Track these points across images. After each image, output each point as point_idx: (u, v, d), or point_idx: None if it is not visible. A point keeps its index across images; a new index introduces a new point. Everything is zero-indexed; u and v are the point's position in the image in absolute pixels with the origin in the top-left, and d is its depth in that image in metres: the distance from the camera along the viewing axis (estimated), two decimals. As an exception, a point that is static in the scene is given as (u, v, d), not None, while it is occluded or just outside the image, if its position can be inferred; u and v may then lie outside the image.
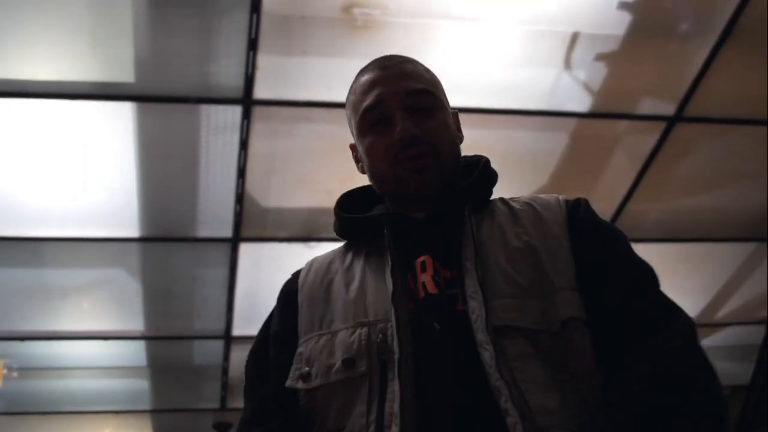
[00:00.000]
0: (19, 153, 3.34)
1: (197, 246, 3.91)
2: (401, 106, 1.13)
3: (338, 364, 1.03)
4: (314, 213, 3.71)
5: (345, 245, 1.21)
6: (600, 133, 3.68)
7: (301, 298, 1.15)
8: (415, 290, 1.06)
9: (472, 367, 0.96)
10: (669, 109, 3.58)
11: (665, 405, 0.92)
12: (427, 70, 1.20)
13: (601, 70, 3.40)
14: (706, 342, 5.09)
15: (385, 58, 1.21)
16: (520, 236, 1.10)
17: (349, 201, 1.24)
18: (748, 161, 3.87)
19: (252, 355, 1.18)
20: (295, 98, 3.28)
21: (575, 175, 3.83)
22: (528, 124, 3.56)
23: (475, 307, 1.00)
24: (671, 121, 3.62)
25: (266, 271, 3.96)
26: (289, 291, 1.18)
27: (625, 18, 3.20)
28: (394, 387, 0.97)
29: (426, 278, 1.06)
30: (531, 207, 1.15)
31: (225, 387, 5.02)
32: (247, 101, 3.25)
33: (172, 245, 3.90)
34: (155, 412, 5.43)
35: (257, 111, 3.30)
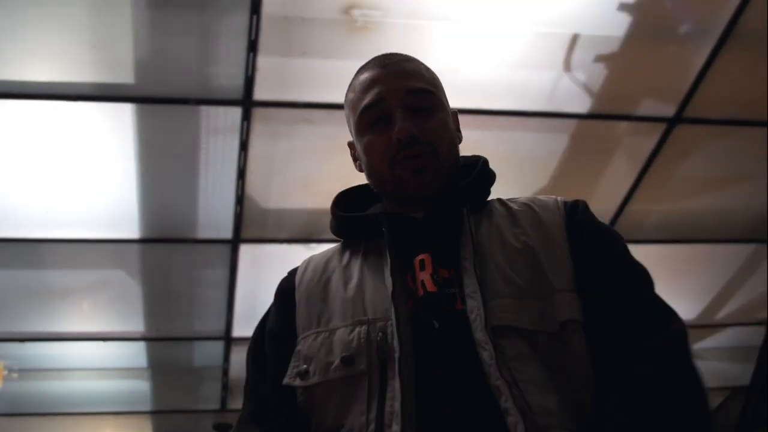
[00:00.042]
0: (19, 154, 3.34)
1: (197, 247, 3.91)
2: (401, 105, 1.12)
3: (337, 361, 1.03)
4: (314, 214, 3.71)
5: (342, 244, 1.20)
6: (600, 134, 3.68)
7: (299, 295, 1.14)
8: (414, 289, 1.06)
9: (472, 366, 0.97)
10: (669, 110, 3.58)
11: (665, 405, 0.93)
12: (428, 69, 1.20)
13: (601, 72, 3.40)
14: (707, 343, 5.10)
15: (386, 56, 1.20)
16: (519, 237, 1.10)
17: (345, 199, 1.23)
18: (748, 162, 3.87)
19: (250, 352, 1.18)
20: (295, 99, 3.28)
21: (575, 176, 3.83)
22: (528, 126, 3.56)
23: (474, 307, 1.00)
24: (671, 123, 3.62)
25: (266, 273, 3.96)
26: (286, 289, 1.17)
27: (625, 19, 3.20)
28: (395, 385, 0.97)
29: (425, 276, 1.06)
30: (529, 208, 1.15)
31: (225, 388, 5.02)
32: (247, 102, 3.25)
33: (173, 246, 3.90)
34: (155, 413, 5.43)
35: (257, 112, 3.31)
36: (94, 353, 4.63)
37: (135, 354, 4.68)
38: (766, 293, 4.55)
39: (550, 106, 3.49)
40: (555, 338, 1.00)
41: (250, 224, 3.79)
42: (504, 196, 1.22)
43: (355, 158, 1.23)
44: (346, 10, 3.02)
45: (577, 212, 1.14)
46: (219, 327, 4.42)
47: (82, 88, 3.10)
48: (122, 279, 4.06)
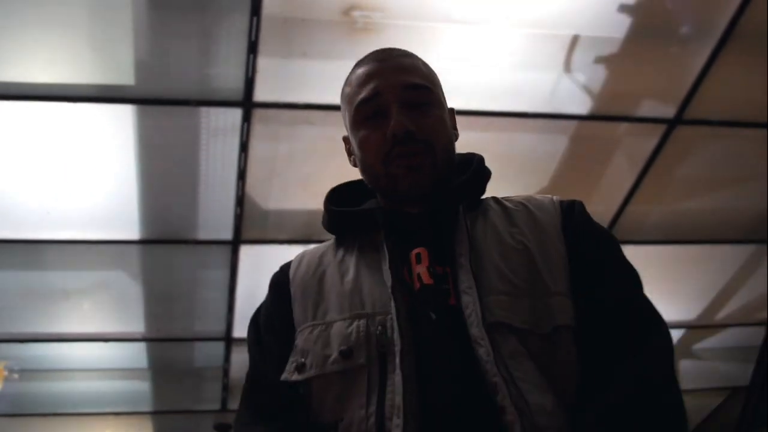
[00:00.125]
0: (19, 156, 3.34)
1: (198, 248, 3.91)
2: (398, 99, 1.11)
3: (335, 354, 1.02)
4: (314, 215, 3.71)
5: (335, 240, 1.19)
6: (600, 135, 3.69)
7: (294, 289, 1.14)
8: (410, 283, 1.05)
9: (469, 361, 0.97)
10: (669, 111, 3.58)
11: (643, 424, 0.94)
12: (426, 65, 1.19)
13: (601, 73, 3.40)
14: (707, 343, 5.11)
15: (383, 50, 1.19)
16: (515, 236, 1.10)
17: (338, 195, 1.22)
18: (747, 164, 3.88)
19: (249, 348, 1.17)
20: (295, 101, 3.29)
21: (575, 177, 3.83)
22: (528, 127, 3.56)
23: (469, 302, 1.00)
24: (671, 124, 3.62)
25: (266, 273, 3.88)
26: (281, 283, 1.17)
27: (625, 21, 3.20)
28: (395, 379, 0.97)
29: (421, 269, 1.05)
30: (525, 207, 1.15)
31: (226, 388, 5.02)
32: (247, 104, 3.25)
33: (173, 247, 3.90)
34: (156, 414, 5.44)
35: (257, 113, 3.31)
36: (94, 354, 4.63)
37: (135, 355, 4.68)
38: (766, 294, 4.55)
39: (550, 107, 3.49)
40: (546, 340, 1.00)
41: (251, 225, 3.79)
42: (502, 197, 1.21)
43: (349, 153, 1.21)
44: (347, 11, 3.02)
45: (573, 213, 1.14)
46: (219, 328, 4.42)
47: (83, 89, 3.10)
48: (123, 280, 4.07)
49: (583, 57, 3.31)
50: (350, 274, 1.10)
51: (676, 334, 4.92)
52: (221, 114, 3.29)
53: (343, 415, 0.99)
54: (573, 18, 3.16)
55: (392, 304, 1.02)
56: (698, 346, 5.13)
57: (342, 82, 1.23)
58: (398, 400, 0.95)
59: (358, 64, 1.19)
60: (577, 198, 1.18)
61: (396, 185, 1.11)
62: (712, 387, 5.49)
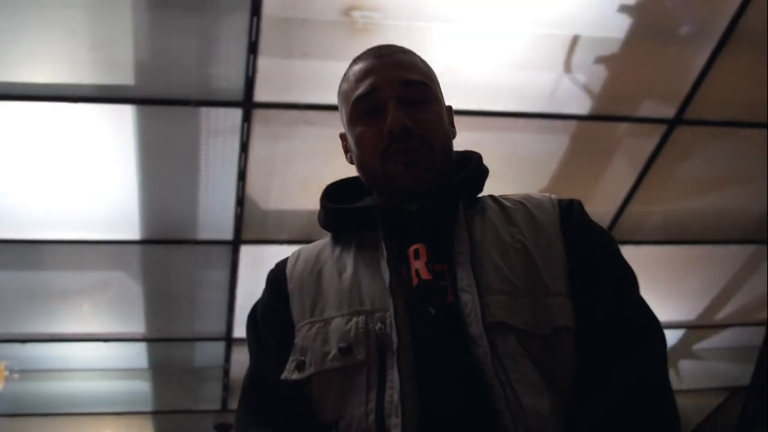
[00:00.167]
0: (19, 156, 3.34)
1: (198, 248, 3.91)
2: (395, 96, 1.10)
3: (334, 351, 1.01)
4: (314, 215, 3.64)
5: (331, 237, 1.18)
6: (600, 135, 3.68)
7: (291, 286, 1.12)
8: (408, 279, 1.04)
9: (468, 361, 0.96)
10: (669, 111, 3.58)
11: (637, 422, 0.95)
12: (423, 62, 1.18)
13: (601, 73, 3.40)
14: (707, 343, 5.11)
15: (381, 47, 1.18)
16: (514, 235, 1.09)
17: (335, 192, 1.21)
18: (747, 164, 3.88)
19: (249, 345, 1.16)
20: (295, 101, 3.29)
21: (576, 177, 3.83)
22: (528, 127, 3.56)
23: (468, 301, 1.00)
24: (671, 124, 3.62)
25: (267, 274, 3.96)
26: (278, 281, 1.15)
27: (625, 21, 3.20)
28: (393, 376, 0.96)
29: (419, 265, 1.05)
30: (524, 206, 1.14)
31: (226, 388, 5.02)
32: (247, 104, 3.25)
33: (173, 247, 3.90)
34: (156, 414, 5.44)
35: (257, 114, 3.31)
36: (95, 354, 4.63)
37: (136, 355, 4.68)
38: (766, 294, 4.55)
39: (551, 107, 3.49)
40: (546, 341, 1.00)
41: (251, 225, 3.79)
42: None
43: (346, 150, 1.20)
44: (347, 11, 3.02)
45: (572, 212, 1.13)
46: (220, 328, 4.42)
47: (83, 89, 3.10)
48: (123, 280, 4.07)
49: (583, 57, 3.30)
50: (348, 271, 1.09)
51: (676, 334, 4.92)
52: (221, 114, 3.29)
53: (342, 413, 0.99)
54: (573, 18, 3.16)
55: (390, 300, 1.01)
56: (698, 346, 5.12)
57: (342, 83, 1.22)
58: (396, 398, 0.94)
59: (355, 61, 1.18)
60: (577, 198, 1.17)
61: (393, 182, 1.10)
62: (712, 387, 5.49)
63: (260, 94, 3.22)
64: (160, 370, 4.95)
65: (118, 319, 4.38)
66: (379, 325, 1.00)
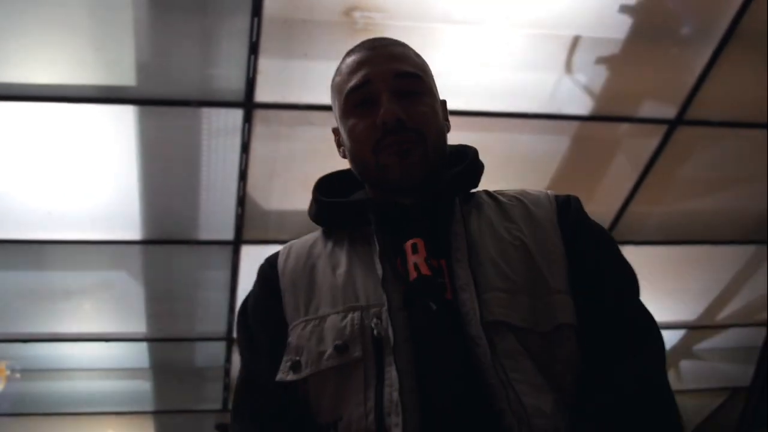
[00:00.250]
0: (21, 156, 3.35)
1: (199, 248, 3.92)
2: (388, 88, 1.08)
3: (330, 350, 0.99)
4: (315, 216, 3.71)
5: (323, 231, 1.16)
6: (601, 136, 3.69)
7: (284, 284, 1.10)
8: (405, 274, 1.02)
9: (467, 359, 0.95)
10: (670, 112, 3.58)
11: (640, 421, 0.94)
12: (417, 55, 1.16)
13: (602, 74, 3.40)
14: (708, 344, 5.11)
15: (375, 39, 1.17)
16: (511, 231, 1.08)
17: (327, 185, 1.19)
18: (748, 164, 3.87)
19: (239, 344, 1.14)
20: (296, 101, 3.29)
21: (576, 177, 3.83)
22: (529, 127, 3.56)
23: (467, 299, 0.98)
24: (672, 125, 3.62)
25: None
26: (270, 278, 1.13)
27: (626, 21, 3.20)
28: (391, 373, 0.94)
29: (418, 260, 1.02)
30: (520, 202, 1.13)
31: (227, 388, 5.02)
32: (248, 104, 3.25)
33: (174, 248, 3.91)
34: (157, 414, 5.44)
35: (258, 114, 3.31)
36: (96, 354, 4.64)
37: (137, 354, 4.69)
38: (766, 294, 4.55)
39: (551, 107, 3.49)
40: (547, 339, 0.98)
41: (252, 225, 3.79)
42: (502, 196, 1.20)
43: (338, 144, 1.18)
44: (347, 12, 3.02)
45: (569, 209, 1.12)
46: (220, 328, 4.43)
47: (84, 90, 3.11)
48: (124, 280, 4.07)
49: (584, 57, 3.31)
50: (342, 267, 1.07)
51: (676, 335, 4.92)
52: (222, 115, 3.29)
53: (341, 413, 0.96)
54: (574, 18, 3.16)
55: (384, 296, 0.99)
56: (699, 346, 5.12)
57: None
58: (396, 396, 0.92)
59: (348, 53, 1.16)
60: (585, 209, 1.15)
61: (386, 174, 1.08)
62: (713, 387, 5.49)
63: (261, 95, 3.23)
64: (161, 370, 4.96)
65: (120, 319, 4.39)
66: (374, 320, 0.98)
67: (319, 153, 3.45)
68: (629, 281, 1.08)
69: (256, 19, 2.96)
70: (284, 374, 1.02)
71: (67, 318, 4.35)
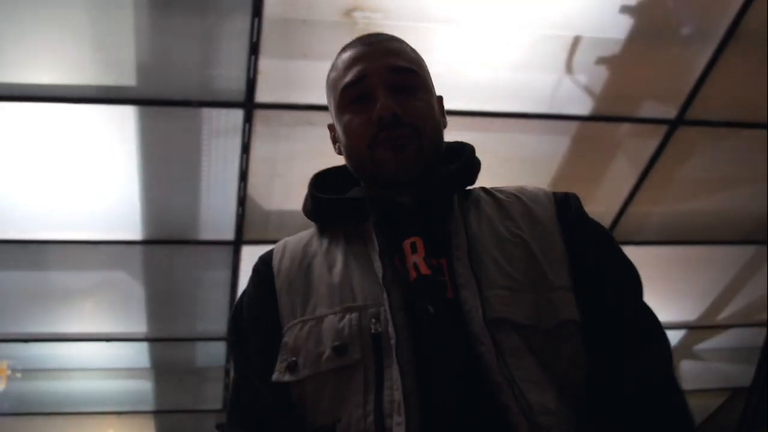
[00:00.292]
0: (22, 157, 3.35)
1: (199, 249, 3.92)
2: (384, 83, 1.07)
3: (328, 351, 0.97)
4: (316, 216, 3.70)
5: (317, 228, 1.14)
6: (601, 136, 3.69)
7: (279, 283, 1.08)
8: (404, 273, 1.01)
9: (470, 358, 0.94)
10: (670, 112, 3.58)
11: (655, 421, 0.94)
12: (413, 50, 1.15)
13: (602, 74, 3.40)
14: (708, 344, 5.11)
15: (370, 35, 1.16)
16: (511, 229, 1.07)
17: (322, 181, 1.17)
18: (749, 165, 3.87)
19: (231, 347, 1.12)
20: (296, 101, 3.29)
21: (577, 178, 3.83)
22: (530, 127, 3.56)
23: (469, 297, 0.97)
24: (673, 125, 3.62)
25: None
26: (265, 277, 1.11)
27: (626, 22, 3.20)
28: (392, 374, 0.93)
29: (418, 259, 1.01)
30: (518, 200, 1.12)
31: (227, 388, 5.02)
32: (248, 105, 3.26)
33: (175, 248, 3.91)
34: (158, 413, 5.45)
35: (259, 114, 3.31)
36: (97, 354, 4.64)
37: (138, 354, 4.69)
38: (766, 295, 4.55)
39: (552, 108, 3.49)
40: (550, 336, 0.98)
41: (252, 226, 3.79)
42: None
43: (334, 141, 1.17)
44: (348, 12, 3.02)
45: (569, 206, 1.11)
46: (221, 328, 4.43)
47: (85, 90, 3.11)
48: (125, 280, 4.08)
49: (584, 58, 3.31)
50: (338, 266, 1.05)
51: (677, 335, 4.92)
52: (223, 115, 3.30)
53: (340, 415, 0.95)
54: (574, 19, 3.16)
55: (384, 295, 0.98)
56: (699, 346, 5.12)
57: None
58: (398, 396, 0.91)
59: (344, 49, 1.15)
60: (583, 207, 1.15)
61: (381, 169, 1.07)
62: (713, 388, 5.49)
63: (261, 95, 3.23)
64: (162, 370, 4.96)
65: (120, 319, 4.39)
66: (373, 321, 0.97)
67: (320, 153, 3.45)
68: (631, 281, 1.07)
69: (256, 20, 2.96)
70: (280, 374, 1.01)
71: (68, 318, 4.35)
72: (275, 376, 1.01)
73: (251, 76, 3.14)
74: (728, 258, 4.40)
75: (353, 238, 1.08)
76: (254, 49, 3.06)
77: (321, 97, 3.53)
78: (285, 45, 3.09)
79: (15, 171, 3.41)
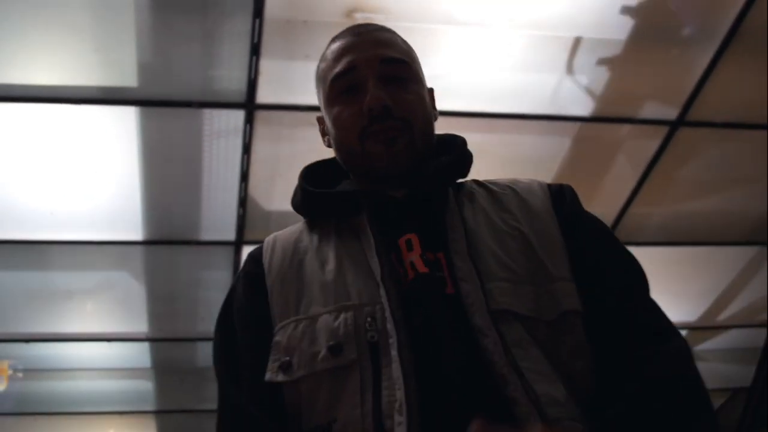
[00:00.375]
0: (23, 157, 3.36)
1: (200, 249, 3.92)
2: (375, 74, 1.05)
3: (323, 351, 0.94)
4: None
5: (307, 222, 1.12)
6: (602, 137, 3.69)
7: (270, 281, 1.04)
8: (402, 271, 0.98)
9: (472, 352, 0.92)
10: (671, 113, 3.58)
11: (677, 412, 0.90)
12: (405, 42, 1.13)
13: (603, 75, 3.40)
14: (709, 345, 5.11)
15: (360, 25, 1.14)
16: (507, 221, 1.05)
17: (312, 174, 1.15)
18: (749, 165, 3.87)
19: (219, 347, 1.08)
20: (297, 102, 3.29)
21: (577, 178, 3.82)
22: (531, 128, 3.56)
23: (470, 291, 0.95)
24: (673, 126, 3.62)
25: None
26: (255, 275, 1.07)
27: (627, 22, 3.20)
28: (392, 374, 0.90)
29: (414, 257, 0.98)
30: (513, 191, 1.10)
31: (228, 388, 5.03)
32: (249, 105, 3.26)
33: (176, 248, 3.91)
34: (159, 413, 5.45)
35: (260, 115, 3.32)
36: (98, 353, 4.65)
37: (139, 354, 4.70)
38: (766, 295, 4.55)
39: (553, 109, 3.49)
40: (553, 327, 0.96)
41: (253, 226, 3.80)
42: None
43: (323, 133, 1.16)
44: (349, 13, 3.03)
45: (564, 197, 1.10)
46: (222, 328, 4.43)
47: (86, 91, 3.11)
48: (126, 280, 4.08)
49: (585, 59, 3.31)
50: (331, 263, 1.02)
51: (678, 335, 4.91)
52: (224, 116, 3.30)
53: (336, 416, 0.92)
54: (575, 20, 3.16)
55: (383, 294, 0.95)
56: (700, 347, 5.12)
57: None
58: (399, 394, 0.88)
59: (333, 40, 1.13)
60: (579, 199, 1.13)
61: (372, 162, 1.05)
62: (714, 388, 5.49)
63: (262, 96, 3.23)
64: (163, 370, 4.97)
65: (121, 319, 4.40)
66: (369, 320, 0.94)
67: (321, 154, 3.45)
68: (634, 273, 1.05)
69: (257, 21, 2.96)
70: (273, 374, 0.98)
71: (69, 318, 4.36)
72: (268, 376, 0.98)
73: (252, 76, 3.14)
74: (729, 259, 4.40)
75: (345, 233, 1.05)
76: (255, 50, 3.06)
77: (322, 98, 3.49)
78: (286, 46, 3.09)
79: (17, 172, 3.41)
